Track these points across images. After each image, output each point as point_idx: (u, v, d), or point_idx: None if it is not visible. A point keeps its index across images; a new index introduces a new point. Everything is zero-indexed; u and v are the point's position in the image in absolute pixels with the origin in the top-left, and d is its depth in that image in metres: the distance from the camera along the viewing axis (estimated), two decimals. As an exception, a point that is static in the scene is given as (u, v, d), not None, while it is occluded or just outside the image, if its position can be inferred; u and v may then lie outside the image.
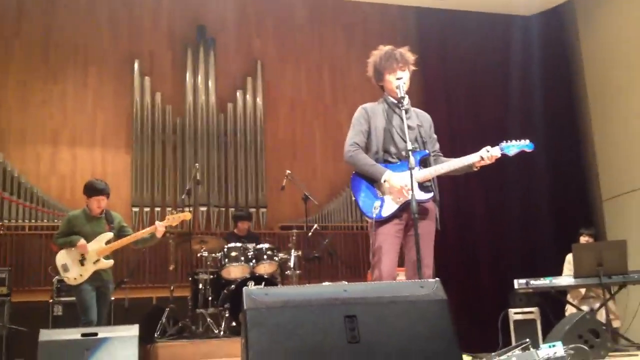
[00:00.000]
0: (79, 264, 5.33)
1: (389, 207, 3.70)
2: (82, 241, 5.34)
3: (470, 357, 5.00)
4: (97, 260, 5.36)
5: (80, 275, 5.32)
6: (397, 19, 9.11)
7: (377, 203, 3.71)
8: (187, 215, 5.76)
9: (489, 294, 7.32)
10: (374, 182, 3.75)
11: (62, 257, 5.38)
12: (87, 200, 5.51)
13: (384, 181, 3.67)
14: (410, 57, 3.90)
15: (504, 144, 3.74)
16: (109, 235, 5.46)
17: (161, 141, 8.11)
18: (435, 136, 4.00)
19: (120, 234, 5.54)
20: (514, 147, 3.75)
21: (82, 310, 5.32)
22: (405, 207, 3.67)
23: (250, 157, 8.34)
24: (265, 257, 6.58)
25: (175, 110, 8.25)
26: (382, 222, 3.69)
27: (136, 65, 8.13)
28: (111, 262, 5.45)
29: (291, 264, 6.62)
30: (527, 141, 3.76)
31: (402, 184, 3.61)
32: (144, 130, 8.04)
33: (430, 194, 3.72)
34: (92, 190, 5.50)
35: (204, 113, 8.30)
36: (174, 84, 8.37)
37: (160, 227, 5.49)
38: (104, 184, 5.55)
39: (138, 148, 7.98)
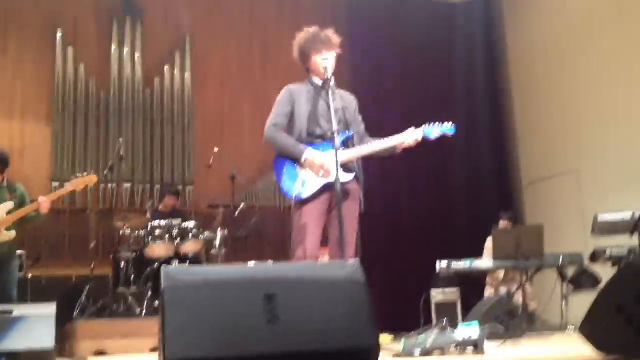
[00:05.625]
0: None
1: (310, 187, 3.70)
2: None
3: (391, 336, 5.12)
4: None
5: None
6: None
7: (298, 183, 3.71)
8: (92, 179, 5.41)
9: (413, 275, 7.47)
10: (295, 162, 3.74)
11: None
12: None
13: (304, 160, 3.67)
14: (336, 38, 3.90)
15: (425, 126, 3.80)
16: (9, 204, 5.16)
17: (84, 114, 7.83)
18: (360, 117, 4.02)
19: (22, 206, 5.27)
20: (435, 129, 3.82)
21: None
22: (327, 188, 3.68)
23: (178, 133, 8.18)
24: (190, 235, 6.46)
25: (99, 82, 7.98)
26: (304, 202, 3.70)
27: (59, 34, 7.80)
28: (13, 233, 5.17)
29: (217, 243, 6.54)
30: (450, 124, 3.83)
31: (322, 161, 3.63)
32: (65, 102, 7.74)
33: (352, 174, 3.73)
34: None
35: (130, 86, 8.07)
36: (98, 56, 8.08)
37: (44, 202, 5.20)
38: None
39: (59, 120, 7.68)
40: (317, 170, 3.67)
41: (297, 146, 3.73)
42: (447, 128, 3.83)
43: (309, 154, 3.68)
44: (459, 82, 8.87)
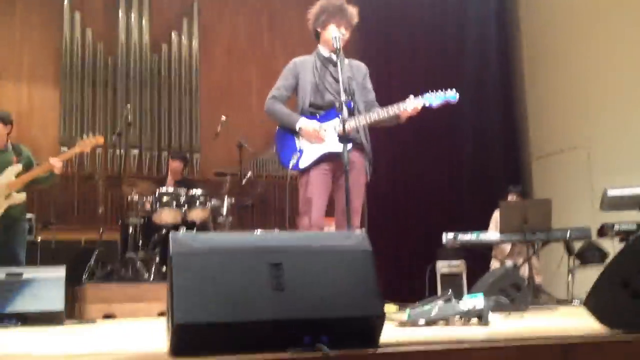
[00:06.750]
0: None
1: (308, 157, 3.70)
2: None
3: (397, 306, 5.15)
4: (9, 195, 5.10)
5: None
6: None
7: (296, 155, 3.71)
8: (99, 140, 5.43)
9: (419, 247, 7.48)
10: (294, 133, 3.75)
11: None
12: None
13: (299, 129, 3.68)
14: (355, 17, 3.88)
15: (427, 94, 3.71)
16: (18, 167, 5.18)
17: (91, 79, 7.81)
18: (369, 86, 3.99)
19: (29, 168, 5.28)
20: (437, 97, 3.71)
21: None
22: (327, 158, 3.68)
23: (185, 101, 8.16)
24: (197, 203, 6.46)
25: (106, 48, 7.95)
26: (308, 171, 3.71)
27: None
28: (23, 195, 5.19)
29: (224, 211, 6.55)
30: (452, 92, 3.72)
31: (314, 128, 3.63)
32: (73, 67, 7.72)
33: (350, 144, 3.61)
34: None
35: (137, 53, 8.04)
36: (105, 21, 8.05)
37: (56, 163, 5.20)
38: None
39: (67, 85, 7.67)
40: (310, 138, 3.67)
41: (292, 116, 3.75)
42: (449, 95, 3.71)
43: (302, 122, 3.69)
44: (469, 56, 8.75)
